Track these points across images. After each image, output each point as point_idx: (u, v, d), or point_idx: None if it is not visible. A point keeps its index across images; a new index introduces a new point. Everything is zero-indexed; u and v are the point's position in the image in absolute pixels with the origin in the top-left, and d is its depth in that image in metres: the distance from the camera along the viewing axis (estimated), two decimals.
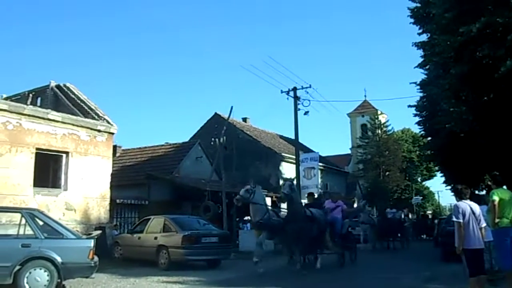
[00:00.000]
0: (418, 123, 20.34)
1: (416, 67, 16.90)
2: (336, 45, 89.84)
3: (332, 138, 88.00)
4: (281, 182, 22.31)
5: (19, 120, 11.71)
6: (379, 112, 43.30)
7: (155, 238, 11.13)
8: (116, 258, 12.17)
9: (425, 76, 17.24)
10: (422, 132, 22.08)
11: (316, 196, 12.65)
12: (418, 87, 18.07)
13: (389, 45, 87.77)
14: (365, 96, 47.14)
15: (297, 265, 9.78)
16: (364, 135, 44.87)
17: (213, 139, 18.16)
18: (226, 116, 20.68)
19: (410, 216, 30.64)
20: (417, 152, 42.53)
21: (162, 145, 22.98)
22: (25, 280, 6.92)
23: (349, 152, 48.29)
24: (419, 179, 49.54)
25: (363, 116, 47.07)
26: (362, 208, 18.26)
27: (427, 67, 16.39)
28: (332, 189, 28.31)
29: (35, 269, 7.00)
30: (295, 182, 10.14)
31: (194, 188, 17.05)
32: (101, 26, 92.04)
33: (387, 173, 39.54)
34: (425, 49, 15.47)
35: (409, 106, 19.46)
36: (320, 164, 24.41)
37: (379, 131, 41.52)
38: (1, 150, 11.23)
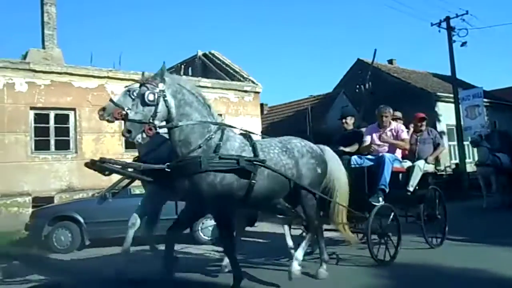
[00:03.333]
0: None
1: None
2: None
3: (499, 69, 76.39)
4: (438, 124, 20.65)
5: None
6: None
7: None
8: None
9: None
10: None
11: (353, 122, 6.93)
12: None
13: None
14: None
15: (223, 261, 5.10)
16: None
17: (357, 86, 17.47)
18: (369, 61, 19.59)
19: None
20: None
21: (307, 98, 23.04)
22: (199, 229, 7.77)
23: None
24: None
25: None
26: (478, 139, 11.50)
27: None
28: (501, 126, 24.90)
29: (205, 220, 7.82)
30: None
31: None
32: None
33: None
34: None
35: None
36: (485, 100, 21.48)
37: None
38: None
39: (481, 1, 72.43)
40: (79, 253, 7.46)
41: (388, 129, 6.24)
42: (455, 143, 19.73)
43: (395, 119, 6.81)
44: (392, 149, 6.14)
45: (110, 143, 11.59)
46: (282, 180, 4.52)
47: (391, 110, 6.37)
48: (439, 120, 20.95)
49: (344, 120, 6.83)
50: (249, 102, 14.49)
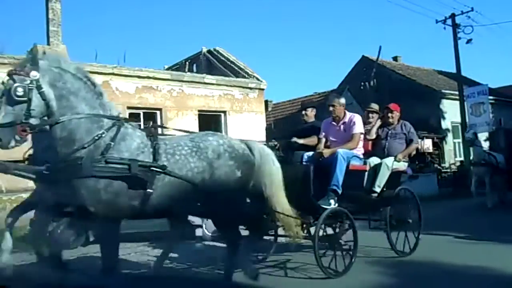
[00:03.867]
0: None
1: None
2: None
3: (504, 66, 75.81)
4: (442, 122, 20.57)
5: (181, 86, 12.97)
6: None
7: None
8: None
9: None
10: None
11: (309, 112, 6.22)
12: None
13: None
14: None
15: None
16: None
17: (362, 83, 17.47)
18: (374, 58, 19.55)
19: None
20: None
21: (311, 95, 22.96)
22: None
23: None
24: None
25: None
26: (473, 139, 11.07)
27: None
28: (506, 124, 24.76)
29: None
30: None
31: None
32: None
33: None
34: None
35: None
36: (490, 97, 21.36)
37: None
38: (170, 115, 12.65)
39: None
40: (83, 249, 7.45)
41: (342, 122, 5.45)
42: (459, 140, 19.64)
43: (371, 112, 6.25)
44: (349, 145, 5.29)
45: None
46: (189, 187, 3.73)
47: (341, 100, 5.57)
48: (444, 118, 20.90)
49: (304, 112, 6.08)
50: (254, 99, 14.47)
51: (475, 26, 18.20)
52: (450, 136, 20.64)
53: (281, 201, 4.32)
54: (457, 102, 19.14)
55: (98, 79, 11.30)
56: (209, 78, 13.62)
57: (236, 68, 15.28)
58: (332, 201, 4.81)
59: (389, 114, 6.07)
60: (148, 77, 12.35)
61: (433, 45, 76.76)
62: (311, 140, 5.56)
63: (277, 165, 4.38)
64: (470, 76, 26.10)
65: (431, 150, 17.60)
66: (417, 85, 22.58)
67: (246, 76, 14.77)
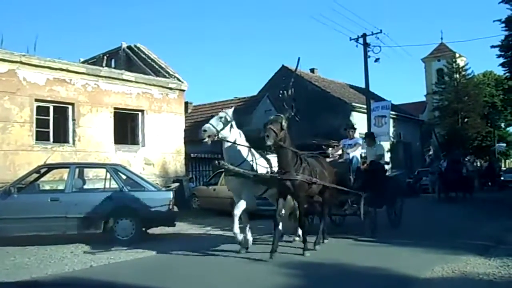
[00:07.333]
0: (502, 64, 19.20)
1: (501, 2, 15.75)
2: None
3: (405, 85, 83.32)
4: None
5: (97, 82, 12.38)
6: (457, 55, 40.06)
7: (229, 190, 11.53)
8: (193, 208, 12.91)
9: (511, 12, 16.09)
10: (507, 74, 20.72)
11: None
12: (503, 25, 17.03)
13: None
14: (441, 38, 43.47)
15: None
16: (440, 80, 42.04)
17: (281, 91, 18.06)
18: (293, 68, 20.34)
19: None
20: (501, 96, 39.77)
21: (232, 100, 23.26)
22: (114, 229, 7.52)
23: (423, 99, 45.72)
24: (502, 125, 45.88)
25: (439, 60, 43.86)
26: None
27: None
28: (405, 138, 27.20)
29: (121, 219, 7.58)
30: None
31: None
32: None
33: (466, 119, 37.19)
34: None
35: (492, 46, 18.45)
36: (392, 112, 23.43)
37: (457, 76, 38.72)
38: (83, 111, 12.02)
39: (393, 21, 78.46)
40: None
41: None
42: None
43: None
44: None
45: (19, 133, 10.74)
46: None
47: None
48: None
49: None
50: (174, 99, 14.29)
51: (383, 46, 19.94)
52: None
53: None
54: (365, 115, 20.58)
55: (2, 67, 10.57)
56: (127, 75, 13.18)
57: (157, 67, 14.96)
58: None
59: None
60: (61, 69, 11.63)
61: (346, 60, 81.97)
62: None
63: None
64: (377, 92, 28.35)
65: None
66: (330, 97, 24.00)
67: (167, 75, 14.54)
